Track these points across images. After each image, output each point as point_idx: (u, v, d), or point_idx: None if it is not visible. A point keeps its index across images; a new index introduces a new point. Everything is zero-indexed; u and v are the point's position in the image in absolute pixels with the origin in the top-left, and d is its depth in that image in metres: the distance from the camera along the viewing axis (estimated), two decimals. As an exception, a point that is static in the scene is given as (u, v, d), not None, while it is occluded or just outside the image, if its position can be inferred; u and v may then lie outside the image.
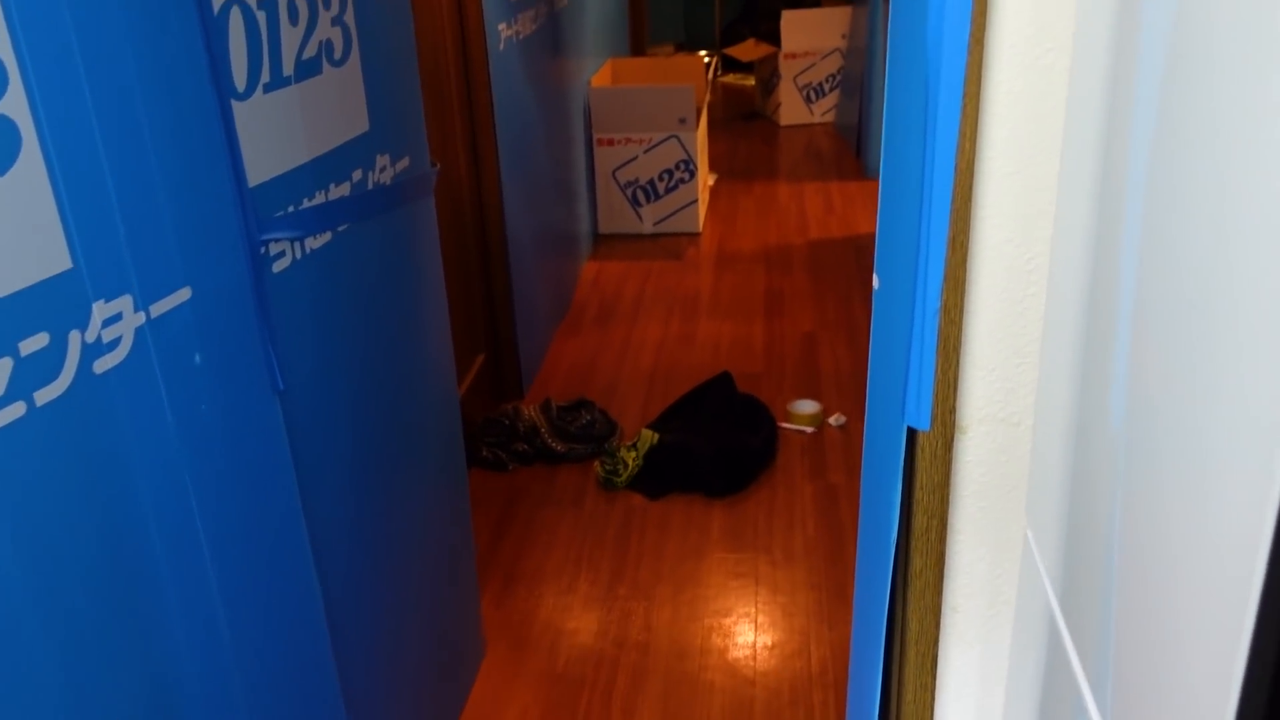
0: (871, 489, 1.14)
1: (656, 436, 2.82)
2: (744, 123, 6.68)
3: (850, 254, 4.39)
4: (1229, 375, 0.63)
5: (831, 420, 3.05)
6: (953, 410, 0.99)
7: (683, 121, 4.45)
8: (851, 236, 4.60)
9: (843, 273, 4.18)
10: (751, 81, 7.34)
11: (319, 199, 1.40)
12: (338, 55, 1.44)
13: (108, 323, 1.04)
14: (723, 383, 3.11)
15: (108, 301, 1.04)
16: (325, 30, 1.40)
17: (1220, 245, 0.64)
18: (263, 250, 1.29)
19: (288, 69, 1.32)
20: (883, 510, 1.06)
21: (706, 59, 7.70)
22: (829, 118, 6.48)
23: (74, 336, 1.00)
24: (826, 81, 6.40)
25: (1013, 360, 0.99)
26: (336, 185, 1.44)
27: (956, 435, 1.01)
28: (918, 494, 1.03)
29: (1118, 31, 0.83)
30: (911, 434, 1.01)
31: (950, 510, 1.04)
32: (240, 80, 1.23)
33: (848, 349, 3.51)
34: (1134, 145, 0.79)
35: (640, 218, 4.64)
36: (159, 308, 1.11)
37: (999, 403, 1.00)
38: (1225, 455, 0.64)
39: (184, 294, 1.14)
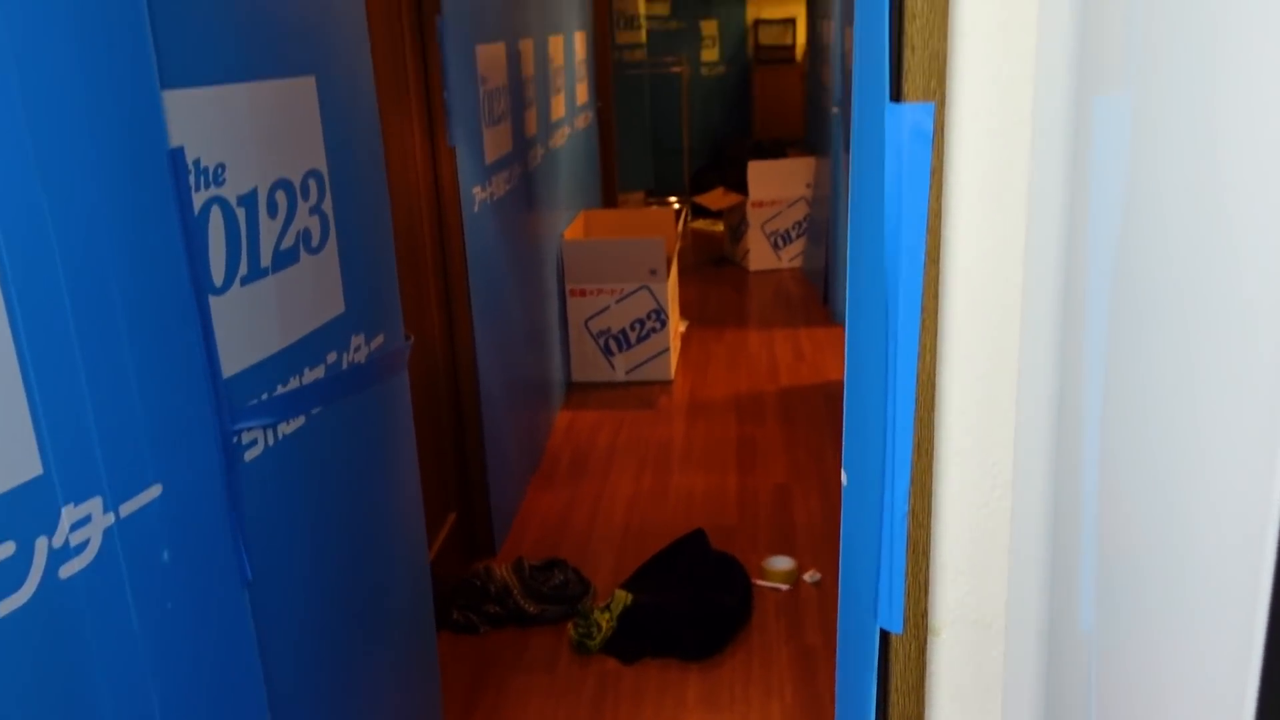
0: (846, 691, 1.13)
1: (630, 597, 2.79)
2: (714, 268, 6.82)
3: (820, 401, 4.43)
4: (1196, 583, 0.64)
5: (807, 577, 3.03)
6: (925, 613, 1.00)
7: (653, 272, 4.54)
8: (821, 384, 4.65)
9: (814, 421, 4.21)
10: (720, 227, 7.52)
11: (293, 384, 1.41)
12: (315, 243, 1.47)
13: (76, 526, 1.03)
14: (696, 540, 3.09)
15: (77, 505, 1.03)
16: (304, 220, 1.44)
17: (1176, 464, 0.66)
18: (235, 440, 1.29)
19: (265, 260, 1.35)
20: (858, 713, 1.05)
21: (676, 205, 7.91)
22: (796, 263, 6.63)
23: (40, 543, 0.99)
24: (793, 228, 6.57)
25: (982, 563, 1.00)
26: (311, 369, 1.46)
27: (929, 637, 1.01)
28: (893, 697, 1.02)
29: (1068, 247, 0.86)
30: (885, 636, 1.01)
31: (927, 714, 1.03)
32: (218, 276, 1.25)
33: (820, 501, 3.51)
34: (1088, 357, 0.81)
35: (613, 366, 4.68)
36: (129, 507, 1.10)
37: (970, 605, 1.01)
38: (1189, 669, 0.65)
39: (154, 491, 1.14)
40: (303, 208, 1.43)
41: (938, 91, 0.84)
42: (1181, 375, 0.65)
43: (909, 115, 0.84)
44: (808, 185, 6.46)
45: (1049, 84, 0.83)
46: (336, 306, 1.54)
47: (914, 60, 0.83)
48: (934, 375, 0.93)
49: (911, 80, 0.83)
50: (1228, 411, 0.59)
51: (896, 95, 0.85)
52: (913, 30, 0.83)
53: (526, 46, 3.83)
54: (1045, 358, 0.91)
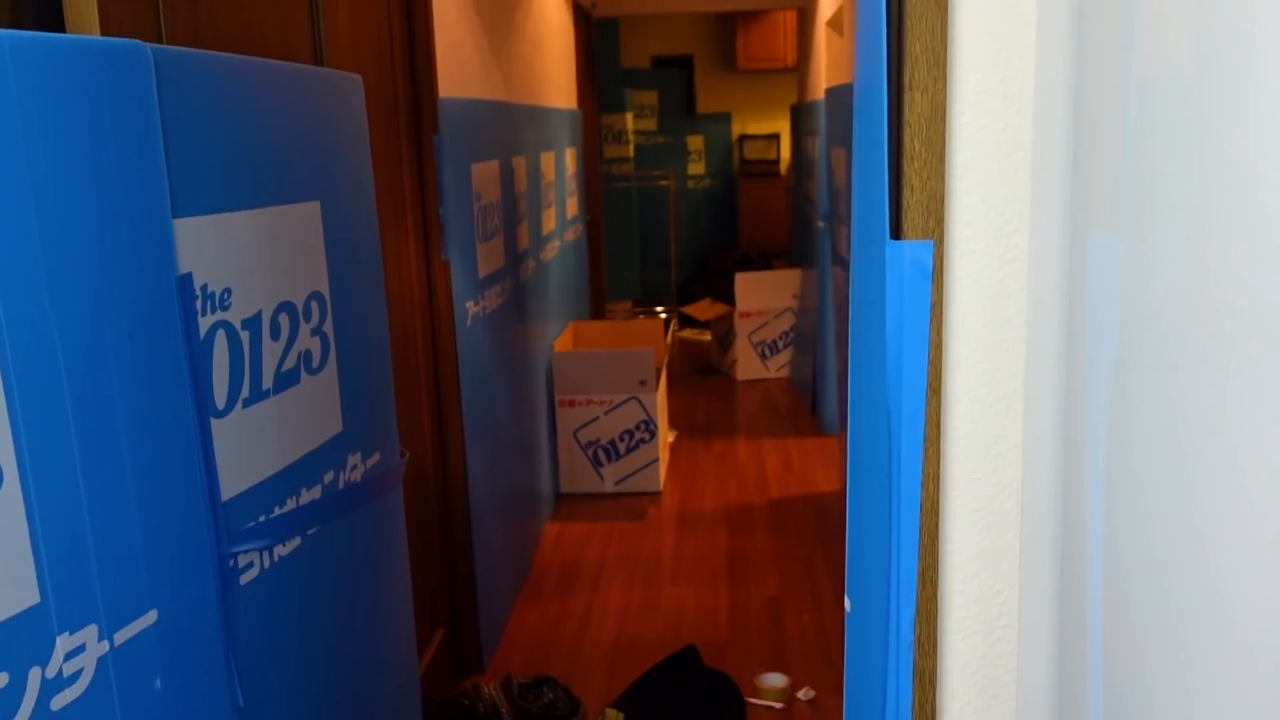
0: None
1: (622, 717, 2.73)
2: (702, 377, 6.86)
3: (810, 513, 4.42)
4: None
5: (801, 695, 2.98)
6: (932, 745, 0.99)
7: (643, 383, 4.56)
8: (811, 495, 4.64)
9: (804, 533, 4.19)
10: (708, 337, 7.58)
11: (290, 505, 1.40)
12: (316, 363, 1.48)
13: (70, 655, 1.02)
14: (688, 657, 3.04)
15: (72, 634, 1.02)
16: (305, 341, 1.45)
17: (1178, 598, 0.67)
18: (231, 563, 1.28)
19: (267, 382, 1.36)
20: None
21: (664, 314, 7.99)
22: (784, 373, 6.68)
23: (34, 674, 0.98)
24: (780, 339, 6.63)
25: (989, 691, 0.99)
26: (308, 489, 1.45)
27: (937, 770, 1.00)
28: (901, 832, 1.00)
29: (1067, 380, 0.88)
30: (892, 768, 1.00)
31: None
32: (220, 398, 1.26)
33: (813, 615, 3.47)
34: (1090, 488, 0.82)
35: (602, 477, 4.67)
36: (124, 634, 1.09)
37: (978, 734, 1.00)
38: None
39: (150, 617, 1.12)
40: (304, 329, 1.45)
41: (936, 230, 0.86)
42: (1181, 508, 0.66)
43: (909, 252, 0.87)
44: (794, 296, 6.55)
45: (1045, 224, 0.86)
46: (335, 426, 1.54)
47: (913, 200, 0.86)
48: (937, 504, 0.94)
49: (911, 219, 0.86)
50: (1237, 526, 0.59)
51: (896, 233, 0.87)
52: (911, 171, 0.86)
53: (520, 164, 3.92)
54: (1048, 487, 0.92)
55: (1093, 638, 0.84)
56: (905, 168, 0.86)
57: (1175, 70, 0.68)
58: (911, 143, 0.86)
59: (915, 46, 0.84)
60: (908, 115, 0.86)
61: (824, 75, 5.50)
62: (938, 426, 0.93)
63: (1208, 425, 0.63)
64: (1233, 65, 0.61)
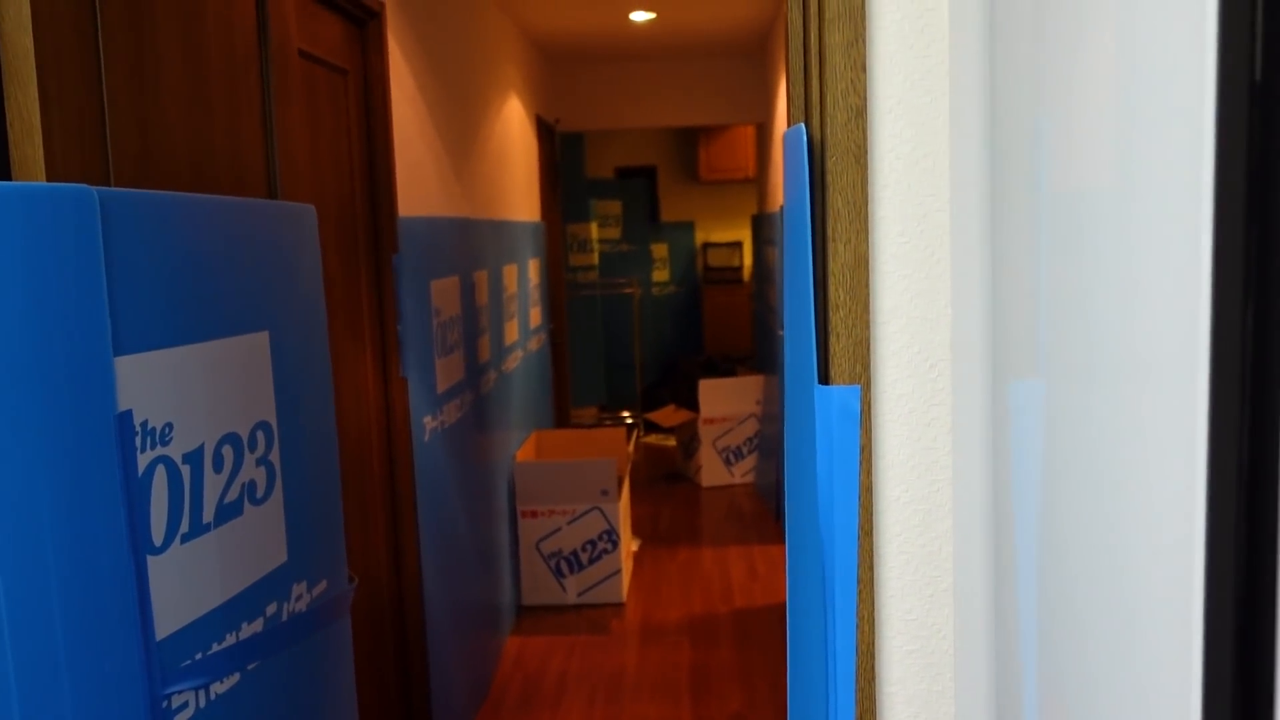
0: None
1: (579, 844, 2.65)
2: (666, 484, 6.83)
3: (776, 623, 4.37)
4: None
5: (763, 816, 2.90)
6: None
7: (605, 493, 4.54)
8: (776, 604, 4.60)
9: (769, 644, 4.14)
10: (673, 443, 7.58)
11: (229, 640, 1.38)
12: (260, 494, 1.47)
13: (-13, 812, 0.98)
14: (649, 778, 2.97)
15: (-10, 789, 0.99)
16: (250, 472, 1.44)
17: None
18: (165, 704, 1.25)
19: (208, 516, 1.34)
20: None
21: (629, 420, 7.98)
22: (749, 479, 6.67)
23: (-52, 834, 0.94)
24: (745, 444, 6.64)
25: (931, 836, 0.98)
26: (249, 623, 1.43)
27: None
28: None
29: (995, 520, 0.89)
30: None
31: None
32: (158, 535, 1.24)
33: (777, 731, 3.41)
34: (1022, 629, 0.83)
35: (564, 589, 4.61)
36: (46, 787, 1.05)
37: None
38: None
39: (75, 767, 1.09)
40: (249, 459, 1.44)
41: (863, 375, 0.88)
42: (1109, 634, 0.67)
43: (837, 397, 0.88)
44: (758, 402, 6.58)
45: (966, 368, 0.88)
46: (279, 556, 1.52)
47: (839, 347, 0.88)
48: (873, 645, 0.94)
49: (838, 365, 0.88)
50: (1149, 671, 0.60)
51: (825, 378, 0.89)
52: (836, 319, 0.88)
53: (481, 278, 3.96)
54: (980, 628, 0.92)
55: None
56: (831, 316, 0.88)
57: (1082, 226, 0.71)
58: (836, 292, 0.89)
59: (837, 201, 0.87)
60: (832, 265, 0.88)
61: (780, 188, 5.63)
62: (871, 569, 0.93)
63: (1123, 549, 0.64)
64: (1143, 226, 0.63)
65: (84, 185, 1.10)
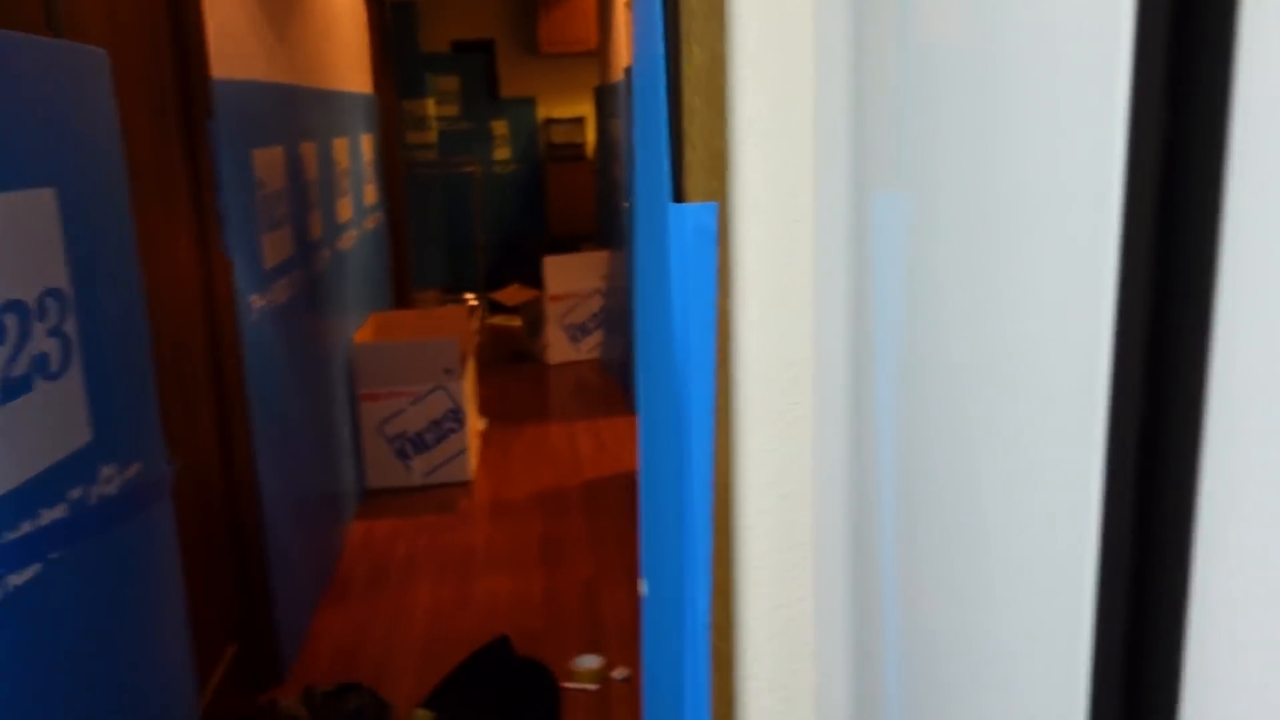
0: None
1: (432, 715, 2.63)
2: (513, 363, 6.75)
3: (624, 491, 4.40)
4: (993, 681, 0.62)
5: (615, 674, 2.95)
6: (734, 732, 0.94)
7: (448, 372, 4.43)
8: (624, 473, 4.63)
9: (619, 512, 4.17)
10: (519, 322, 7.48)
11: (25, 529, 1.24)
12: (54, 367, 1.32)
13: None
14: (500, 648, 2.97)
15: None
16: (40, 344, 1.29)
17: (973, 557, 0.64)
18: (-46, 596, 1.12)
19: (-8, 389, 1.19)
20: None
21: (473, 303, 7.82)
22: (595, 355, 6.65)
23: None
24: (591, 320, 6.60)
25: (789, 668, 0.96)
26: (49, 509, 1.29)
27: (741, 758, 0.96)
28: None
29: (855, 342, 0.85)
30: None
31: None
32: (-70, 409, 1.10)
33: (628, 594, 3.45)
34: (881, 452, 0.79)
35: (410, 470, 4.51)
36: None
37: (780, 715, 0.96)
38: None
39: None
40: (39, 330, 1.28)
41: (720, 191, 0.81)
42: (965, 452, 0.64)
43: (691, 215, 0.81)
44: (603, 278, 6.52)
45: (829, 182, 0.82)
46: (82, 436, 1.38)
47: (695, 157, 0.80)
48: (730, 479, 0.90)
49: (693, 178, 0.81)
50: (1012, 489, 0.56)
51: (679, 195, 0.82)
52: (692, 128, 0.80)
53: (309, 150, 3.72)
54: (839, 455, 0.89)
55: (888, 608, 0.81)
56: (686, 125, 0.81)
57: (949, 39, 0.65)
58: (691, 98, 0.81)
59: (687, -4, 0.78)
60: (686, 69, 0.80)
61: (625, 56, 5.49)
62: (728, 398, 0.88)
63: (989, 361, 0.60)
64: (999, 36, 0.58)
65: None
